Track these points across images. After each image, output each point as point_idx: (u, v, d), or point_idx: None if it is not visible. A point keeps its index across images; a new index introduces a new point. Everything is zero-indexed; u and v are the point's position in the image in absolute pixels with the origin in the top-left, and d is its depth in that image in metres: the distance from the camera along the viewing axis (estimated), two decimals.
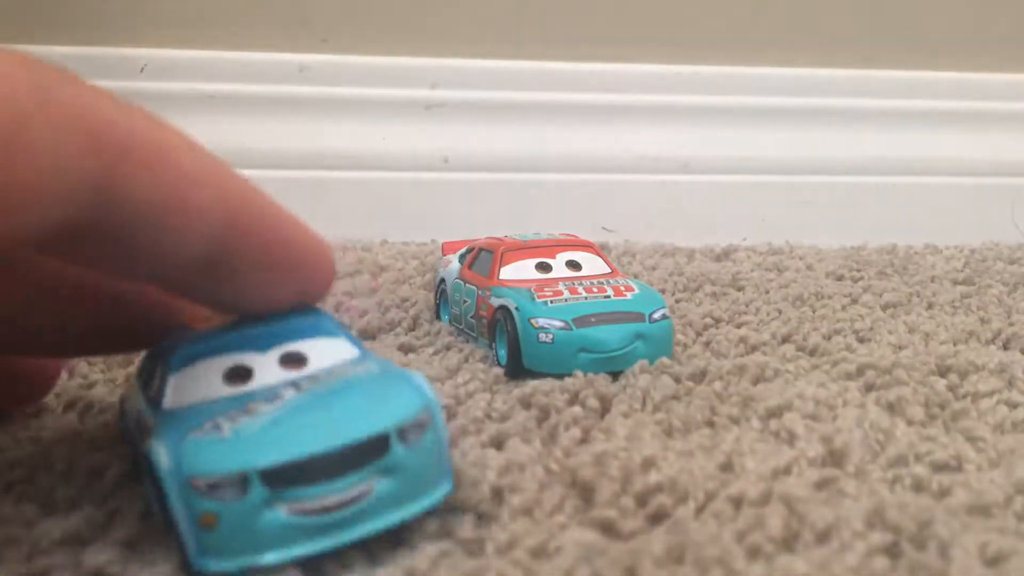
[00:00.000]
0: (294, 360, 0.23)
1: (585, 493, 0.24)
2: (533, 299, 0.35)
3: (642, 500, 0.23)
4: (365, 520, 0.20)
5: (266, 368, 0.23)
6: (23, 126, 0.16)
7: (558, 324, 0.34)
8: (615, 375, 0.34)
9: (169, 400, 0.22)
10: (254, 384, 0.22)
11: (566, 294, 0.36)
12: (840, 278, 0.55)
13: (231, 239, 0.21)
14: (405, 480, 0.21)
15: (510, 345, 0.35)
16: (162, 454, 0.20)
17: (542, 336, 0.34)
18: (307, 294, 0.24)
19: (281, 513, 0.19)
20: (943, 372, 0.35)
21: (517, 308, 0.35)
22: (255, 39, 0.67)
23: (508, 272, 0.39)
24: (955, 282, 0.54)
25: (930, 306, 0.47)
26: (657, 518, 0.23)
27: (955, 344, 0.40)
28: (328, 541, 0.20)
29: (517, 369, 0.35)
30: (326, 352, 0.23)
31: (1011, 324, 0.43)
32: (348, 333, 0.24)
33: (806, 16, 0.73)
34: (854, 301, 0.48)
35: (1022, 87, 0.76)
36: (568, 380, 0.33)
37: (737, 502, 0.23)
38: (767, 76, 0.73)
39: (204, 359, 0.23)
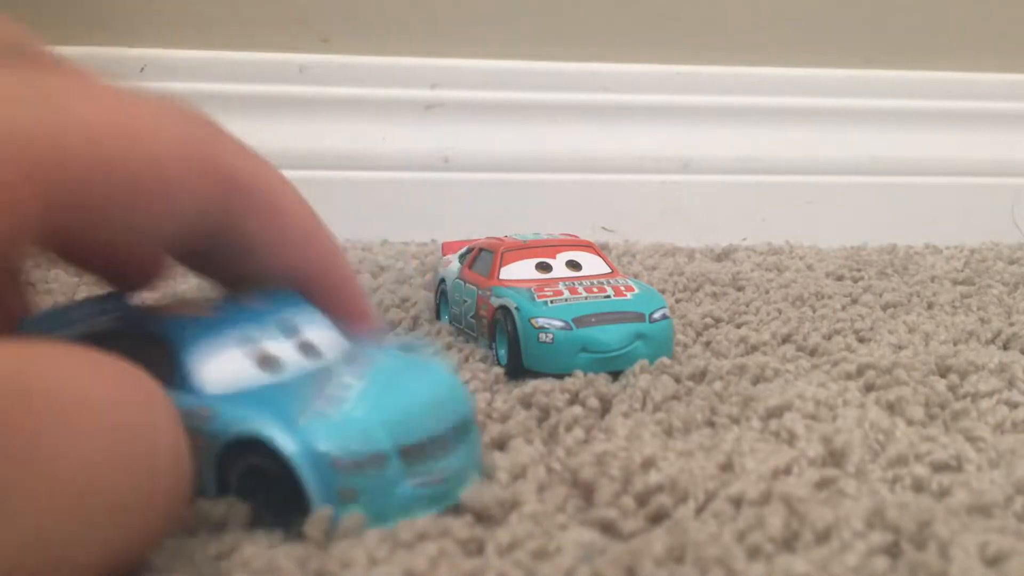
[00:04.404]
0: (309, 349, 0.25)
1: (586, 493, 0.24)
2: (533, 299, 0.35)
3: (642, 500, 0.23)
4: (453, 492, 0.23)
5: (289, 355, 0.24)
6: (167, 182, 0.21)
7: (558, 324, 0.34)
8: (615, 375, 0.34)
9: (208, 386, 0.23)
10: (288, 372, 0.24)
11: (566, 294, 0.36)
12: (840, 278, 0.55)
13: (297, 273, 0.26)
14: (472, 457, 0.24)
15: (510, 345, 0.35)
16: (284, 438, 0.21)
17: (542, 336, 0.34)
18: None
19: (408, 485, 0.22)
20: (943, 372, 0.35)
21: (517, 308, 0.35)
22: (255, 39, 0.67)
23: (508, 272, 0.38)
24: (955, 282, 0.54)
25: (930, 306, 0.47)
26: (657, 518, 0.23)
27: (955, 344, 0.40)
28: (433, 508, 0.23)
29: (517, 369, 0.35)
30: (327, 340, 0.25)
31: (1011, 324, 0.43)
32: (331, 322, 0.26)
33: (806, 16, 0.73)
34: (854, 301, 0.48)
35: (1022, 87, 0.76)
36: (568, 380, 0.33)
37: (737, 502, 0.23)
38: (767, 76, 0.73)
39: (217, 344, 0.23)
